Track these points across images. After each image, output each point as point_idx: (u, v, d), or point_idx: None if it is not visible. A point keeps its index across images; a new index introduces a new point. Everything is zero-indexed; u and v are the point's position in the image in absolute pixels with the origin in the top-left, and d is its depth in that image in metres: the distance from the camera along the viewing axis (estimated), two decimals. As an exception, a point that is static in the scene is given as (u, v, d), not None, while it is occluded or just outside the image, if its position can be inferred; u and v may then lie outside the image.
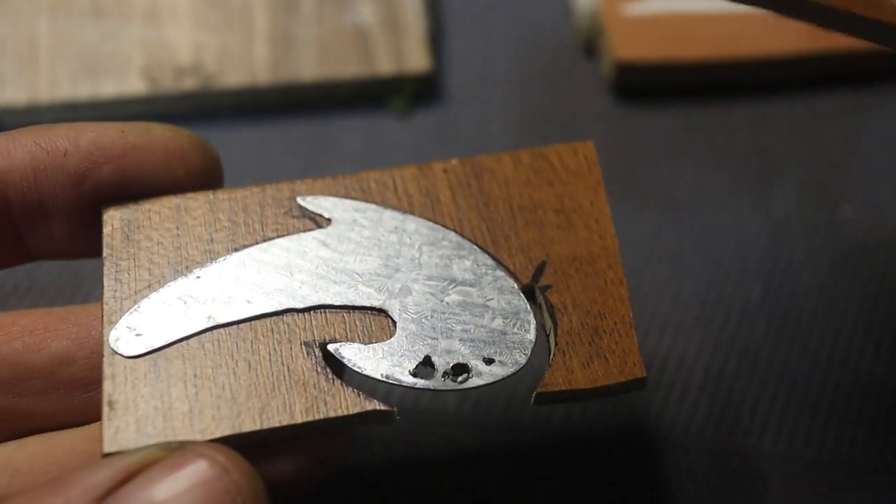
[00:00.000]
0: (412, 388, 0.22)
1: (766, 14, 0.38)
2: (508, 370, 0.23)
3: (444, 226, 0.24)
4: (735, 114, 0.40)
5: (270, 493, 0.21)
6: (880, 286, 0.35)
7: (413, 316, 0.23)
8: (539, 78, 0.41)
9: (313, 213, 0.24)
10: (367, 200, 0.24)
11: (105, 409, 0.21)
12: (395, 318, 0.23)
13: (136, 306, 0.23)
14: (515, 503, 0.31)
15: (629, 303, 0.24)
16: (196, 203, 0.24)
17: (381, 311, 0.23)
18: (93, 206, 0.24)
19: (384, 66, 0.39)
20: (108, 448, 0.21)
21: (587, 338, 0.23)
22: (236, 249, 0.24)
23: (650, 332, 0.34)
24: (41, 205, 0.23)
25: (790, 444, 0.31)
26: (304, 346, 0.22)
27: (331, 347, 0.23)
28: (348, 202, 0.24)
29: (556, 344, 0.23)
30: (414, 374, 0.23)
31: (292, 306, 0.23)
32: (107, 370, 0.22)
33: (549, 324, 0.24)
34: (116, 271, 0.23)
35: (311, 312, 0.23)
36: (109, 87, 0.37)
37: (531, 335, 0.23)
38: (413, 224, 0.24)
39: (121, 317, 0.22)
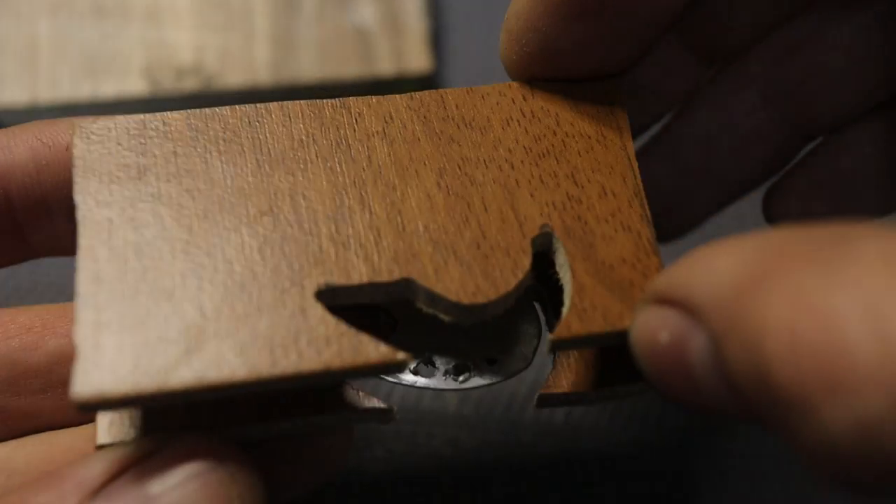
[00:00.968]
0: (412, 387, 0.22)
1: None
2: (511, 370, 0.23)
3: None
4: None
5: (270, 496, 0.20)
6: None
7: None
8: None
9: None
10: None
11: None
12: (398, 316, 0.23)
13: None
14: (515, 503, 0.30)
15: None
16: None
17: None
18: None
19: (385, 66, 0.38)
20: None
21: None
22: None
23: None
24: (44, 201, 0.23)
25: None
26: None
27: None
28: None
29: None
30: (415, 372, 0.22)
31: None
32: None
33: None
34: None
35: None
36: (110, 88, 0.37)
37: (537, 334, 0.23)
38: None
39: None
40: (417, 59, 0.39)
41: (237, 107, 0.23)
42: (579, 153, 0.23)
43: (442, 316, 0.21)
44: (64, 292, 0.34)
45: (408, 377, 0.22)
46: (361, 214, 0.21)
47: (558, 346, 0.21)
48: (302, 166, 0.22)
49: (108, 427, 0.21)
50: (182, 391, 0.19)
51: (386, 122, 0.23)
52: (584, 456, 0.31)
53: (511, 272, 0.21)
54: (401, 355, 0.20)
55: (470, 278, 0.21)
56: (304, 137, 0.22)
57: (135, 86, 0.38)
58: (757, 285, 0.16)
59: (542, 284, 0.23)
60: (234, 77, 0.38)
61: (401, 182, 0.22)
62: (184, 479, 0.19)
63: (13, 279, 0.34)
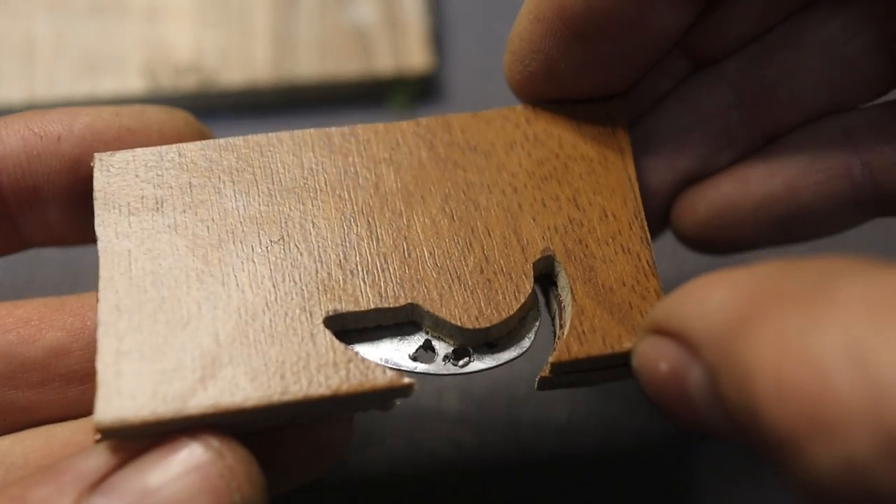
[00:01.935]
0: (412, 373, 0.22)
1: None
2: (511, 354, 0.23)
3: None
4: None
5: (270, 484, 0.20)
6: None
7: None
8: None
9: None
10: None
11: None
12: None
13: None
14: (516, 503, 0.30)
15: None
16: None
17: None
18: (88, 191, 0.24)
19: (384, 64, 0.38)
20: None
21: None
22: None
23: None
24: (36, 191, 0.23)
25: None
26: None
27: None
28: None
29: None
30: (414, 357, 0.22)
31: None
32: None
33: (554, 307, 0.23)
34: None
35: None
36: (108, 85, 0.37)
37: (536, 318, 0.23)
38: None
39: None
40: (417, 58, 0.38)
41: (249, 137, 0.24)
42: (581, 176, 0.24)
43: (446, 339, 0.22)
44: (61, 285, 0.34)
45: (407, 363, 0.22)
46: (369, 241, 0.22)
47: (558, 369, 0.22)
48: (312, 195, 0.23)
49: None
50: (198, 416, 0.20)
51: (393, 149, 0.24)
52: (584, 456, 0.31)
53: (513, 296, 0.22)
54: (407, 380, 0.21)
55: (473, 303, 0.22)
56: (313, 166, 0.23)
57: (133, 83, 0.37)
58: (746, 324, 0.16)
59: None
60: (233, 75, 0.38)
61: (407, 208, 0.23)
62: (183, 472, 0.19)
63: (10, 272, 0.34)
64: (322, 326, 0.21)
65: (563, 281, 0.23)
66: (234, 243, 0.22)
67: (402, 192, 0.23)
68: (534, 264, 0.23)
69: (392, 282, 0.22)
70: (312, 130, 0.24)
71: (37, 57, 0.38)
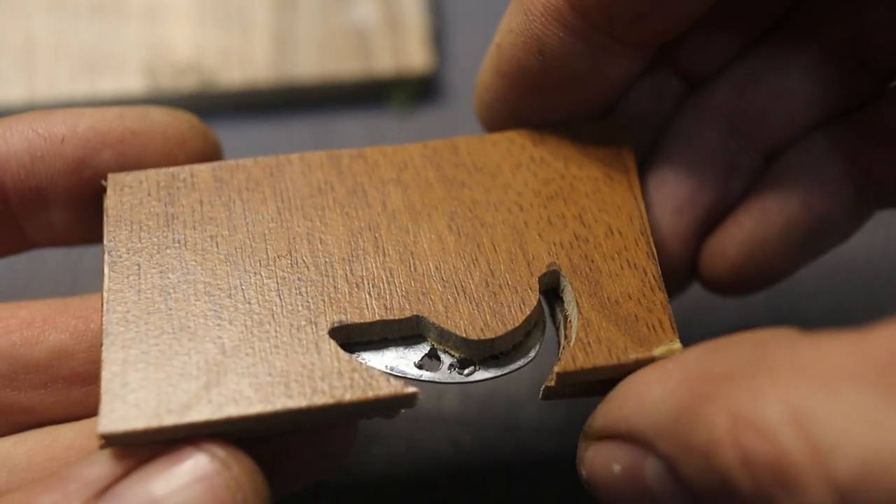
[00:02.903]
0: (417, 381, 0.22)
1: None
2: (516, 364, 0.23)
3: None
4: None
5: (273, 488, 0.20)
6: None
7: None
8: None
9: None
10: None
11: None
12: None
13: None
14: (516, 503, 0.30)
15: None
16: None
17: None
18: (91, 193, 0.24)
19: (384, 64, 0.38)
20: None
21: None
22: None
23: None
24: (39, 192, 0.23)
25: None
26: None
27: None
28: None
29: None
30: (419, 366, 0.22)
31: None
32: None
33: (560, 320, 0.23)
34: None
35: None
36: (108, 85, 0.37)
37: (541, 332, 0.23)
38: None
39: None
40: (417, 58, 0.39)
41: (260, 158, 0.24)
42: (587, 194, 0.24)
43: (452, 351, 0.22)
44: (63, 286, 0.34)
45: (413, 371, 0.22)
46: (375, 256, 0.23)
47: (564, 380, 0.22)
48: (320, 212, 0.23)
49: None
50: (202, 424, 0.20)
51: (400, 170, 0.24)
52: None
53: (519, 308, 0.22)
54: (410, 389, 0.21)
55: (479, 315, 0.22)
56: (322, 185, 0.24)
57: (133, 83, 0.37)
58: (694, 409, 0.17)
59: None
60: (233, 75, 0.38)
61: (413, 225, 0.23)
62: (189, 481, 0.19)
63: (13, 273, 0.34)
64: (327, 337, 0.21)
65: (568, 295, 0.23)
66: (242, 258, 0.22)
67: (409, 209, 0.23)
68: (539, 278, 0.23)
69: (398, 294, 0.22)
70: (322, 152, 0.24)
71: (37, 57, 0.38)
